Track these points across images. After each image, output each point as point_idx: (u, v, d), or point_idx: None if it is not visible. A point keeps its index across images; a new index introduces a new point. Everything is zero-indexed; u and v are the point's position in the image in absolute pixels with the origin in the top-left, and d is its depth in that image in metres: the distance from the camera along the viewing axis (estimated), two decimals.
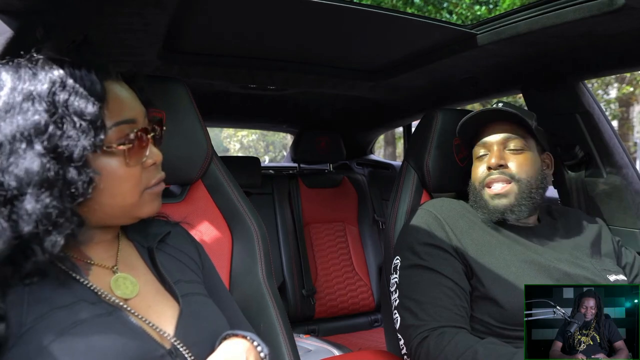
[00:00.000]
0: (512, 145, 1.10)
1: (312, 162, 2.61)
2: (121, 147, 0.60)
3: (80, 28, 1.04)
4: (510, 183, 1.07)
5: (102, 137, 0.58)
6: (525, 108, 1.39)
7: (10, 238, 0.53)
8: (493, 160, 1.08)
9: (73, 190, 0.56)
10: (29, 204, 0.53)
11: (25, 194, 0.53)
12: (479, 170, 1.13)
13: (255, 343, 0.68)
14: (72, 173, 0.55)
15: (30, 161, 0.53)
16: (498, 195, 1.07)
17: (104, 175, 0.59)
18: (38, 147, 0.54)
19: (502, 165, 1.07)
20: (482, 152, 1.13)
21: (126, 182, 0.62)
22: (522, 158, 1.09)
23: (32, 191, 0.53)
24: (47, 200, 0.54)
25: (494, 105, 1.12)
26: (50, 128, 0.55)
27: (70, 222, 0.56)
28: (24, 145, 0.54)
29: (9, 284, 0.54)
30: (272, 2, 1.04)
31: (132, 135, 0.62)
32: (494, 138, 1.11)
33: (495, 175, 1.08)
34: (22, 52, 0.59)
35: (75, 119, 0.56)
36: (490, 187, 1.09)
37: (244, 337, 0.68)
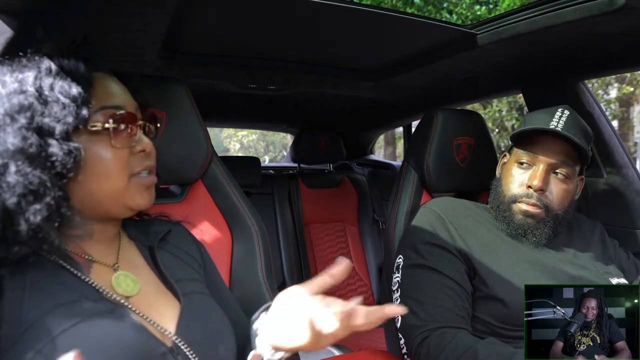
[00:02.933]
0: (560, 171, 1.04)
1: (312, 162, 2.61)
2: (106, 125, 0.62)
3: (80, 28, 1.04)
4: (540, 209, 1.03)
5: (84, 113, 0.59)
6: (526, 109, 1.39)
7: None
8: (536, 183, 1.02)
9: (54, 161, 0.57)
10: (11, 177, 0.55)
11: (8, 166, 0.55)
12: (517, 182, 1.06)
13: None
14: (54, 147, 0.57)
15: (13, 135, 0.55)
16: (527, 213, 1.03)
17: (88, 154, 0.60)
18: (22, 121, 0.56)
19: (543, 190, 1.02)
20: (526, 159, 1.06)
21: (111, 164, 0.62)
22: (563, 189, 1.04)
23: (14, 164, 0.55)
24: (28, 170, 0.55)
25: (561, 113, 1.04)
26: (34, 105, 0.57)
27: (52, 192, 0.57)
28: (7, 121, 0.56)
29: (3, 264, 0.55)
30: (272, 2, 1.04)
31: (117, 115, 0.63)
32: (547, 158, 1.03)
33: (533, 199, 1.03)
34: (21, 53, 0.60)
35: (60, 97, 0.58)
36: (521, 203, 1.04)
37: None
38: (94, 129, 0.61)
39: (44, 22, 0.77)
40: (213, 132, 10.35)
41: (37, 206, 0.56)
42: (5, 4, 0.68)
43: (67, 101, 0.58)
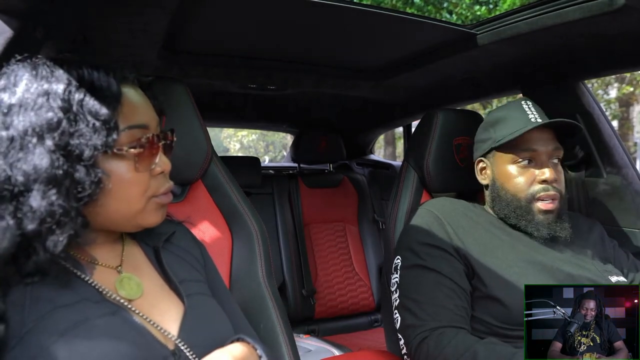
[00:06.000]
0: (557, 156, 1.04)
1: (312, 162, 2.61)
2: (132, 150, 0.60)
3: (81, 28, 1.04)
4: (556, 200, 1.03)
5: (114, 137, 0.57)
6: None
7: (15, 236, 0.52)
8: (548, 175, 1.01)
9: (80, 189, 0.55)
10: (35, 201, 0.52)
11: (32, 190, 0.53)
12: (524, 181, 1.04)
13: (258, 352, 0.67)
14: (81, 172, 0.55)
15: (40, 157, 0.53)
16: (547, 211, 1.02)
17: (112, 178, 0.58)
18: (49, 143, 0.54)
19: (556, 179, 1.02)
20: (523, 158, 1.05)
21: (133, 187, 0.61)
22: (560, 171, 1.05)
23: (39, 188, 0.53)
24: (53, 198, 0.53)
25: (527, 105, 1.06)
26: (63, 125, 0.54)
27: (75, 223, 0.55)
28: (34, 140, 0.53)
29: (10, 284, 0.54)
30: (272, 2, 1.04)
31: (143, 140, 0.61)
32: (545, 147, 1.03)
33: (552, 191, 1.01)
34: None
35: (89, 117, 0.56)
36: (543, 201, 1.02)
37: (248, 343, 0.67)
38: (119, 152, 0.59)
39: (44, 22, 0.77)
40: (213, 132, 10.35)
41: (60, 237, 0.54)
42: (5, 4, 0.68)
43: (97, 124, 0.56)
